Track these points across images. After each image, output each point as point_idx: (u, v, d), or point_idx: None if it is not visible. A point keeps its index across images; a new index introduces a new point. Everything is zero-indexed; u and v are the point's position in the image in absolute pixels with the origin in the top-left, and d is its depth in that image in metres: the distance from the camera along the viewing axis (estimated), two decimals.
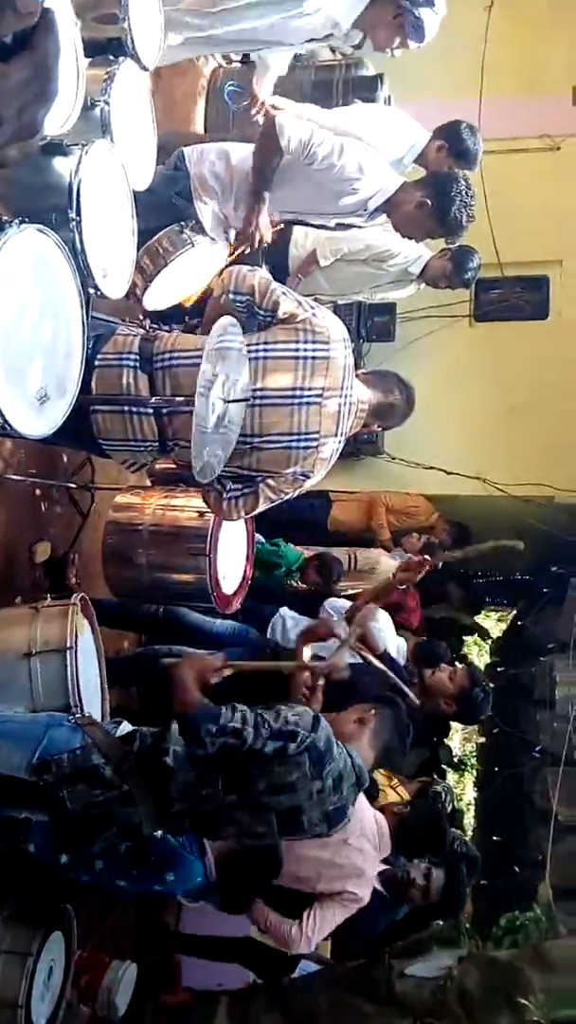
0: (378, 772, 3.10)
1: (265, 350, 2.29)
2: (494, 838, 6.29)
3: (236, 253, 3.15)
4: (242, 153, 2.99)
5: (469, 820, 7.79)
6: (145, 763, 1.97)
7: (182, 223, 2.97)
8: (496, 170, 4.96)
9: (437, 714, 3.51)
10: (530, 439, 5.27)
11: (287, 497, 2.43)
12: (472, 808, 8.28)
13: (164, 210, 2.93)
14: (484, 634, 6.91)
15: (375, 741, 2.32)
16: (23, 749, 2.08)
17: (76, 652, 2.45)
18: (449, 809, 3.94)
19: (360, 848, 2.80)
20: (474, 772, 8.63)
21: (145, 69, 2.64)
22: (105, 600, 3.35)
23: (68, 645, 2.44)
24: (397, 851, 2.95)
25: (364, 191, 2.90)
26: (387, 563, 4.77)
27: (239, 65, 4.85)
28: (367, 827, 2.85)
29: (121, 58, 2.53)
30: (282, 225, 3.28)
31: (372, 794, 2.53)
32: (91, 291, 2.19)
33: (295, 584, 4.36)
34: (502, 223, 5.00)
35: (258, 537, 3.82)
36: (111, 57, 2.52)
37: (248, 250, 3.13)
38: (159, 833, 2.04)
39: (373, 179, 2.89)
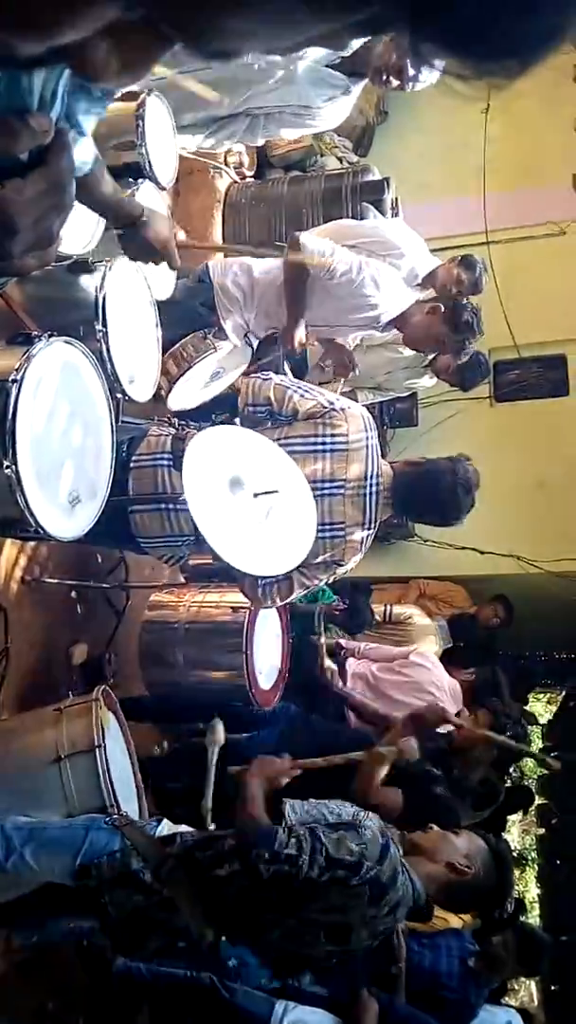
0: None
1: (287, 444, 2.33)
2: (562, 938, 5.90)
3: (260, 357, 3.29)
4: (263, 266, 3.15)
5: (534, 919, 7.33)
6: (187, 866, 1.91)
7: (205, 330, 3.10)
8: (505, 258, 5.15)
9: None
10: (562, 515, 5.24)
11: (321, 584, 2.43)
12: (536, 906, 7.81)
13: (189, 319, 3.07)
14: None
15: (453, 890, 2.11)
16: (65, 856, 2.04)
17: (105, 750, 2.42)
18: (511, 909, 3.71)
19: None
20: (535, 867, 8.18)
21: (163, 188, 2.82)
22: (143, 697, 3.32)
23: (96, 744, 2.40)
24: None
25: (380, 306, 3.03)
26: (421, 617, 4.75)
27: (252, 179, 5.13)
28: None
29: (140, 180, 2.70)
30: (315, 343, 3.41)
31: (424, 917, 2.16)
32: (119, 396, 2.27)
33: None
34: (515, 307, 5.13)
35: None
36: (131, 180, 2.70)
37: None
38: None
39: (388, 294, 3.03)
